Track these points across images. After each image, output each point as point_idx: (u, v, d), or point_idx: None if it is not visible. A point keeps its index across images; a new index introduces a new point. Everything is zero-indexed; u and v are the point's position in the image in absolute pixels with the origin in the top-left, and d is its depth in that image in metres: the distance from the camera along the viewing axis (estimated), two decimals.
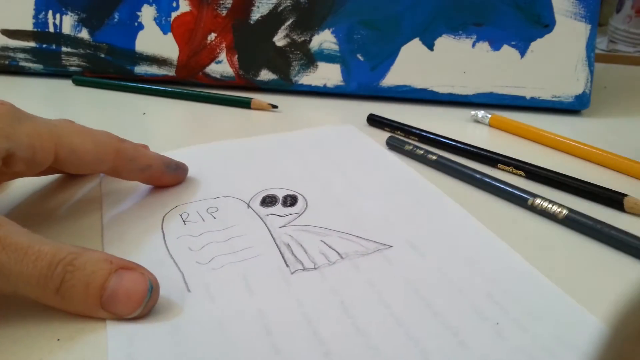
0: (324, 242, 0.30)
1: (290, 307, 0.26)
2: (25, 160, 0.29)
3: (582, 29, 0.49)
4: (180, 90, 0.53)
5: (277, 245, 0.30)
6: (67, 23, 0.54)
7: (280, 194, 0.35)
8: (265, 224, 0.32)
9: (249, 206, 0.34)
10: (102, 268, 0.24)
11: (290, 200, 0.34)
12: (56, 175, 0.37)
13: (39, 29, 0.54)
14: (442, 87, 0.52)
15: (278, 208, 0.34)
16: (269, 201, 0.34)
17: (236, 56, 0.54)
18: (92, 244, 0.30)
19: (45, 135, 0.30)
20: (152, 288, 0.25)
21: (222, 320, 0.25)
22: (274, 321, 0.25)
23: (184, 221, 0.32)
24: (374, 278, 0.28)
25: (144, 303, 0.24)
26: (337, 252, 0.29)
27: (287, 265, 0.28)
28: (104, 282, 0.24)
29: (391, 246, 0.30)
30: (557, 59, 0.50)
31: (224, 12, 0.53)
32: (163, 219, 0.32)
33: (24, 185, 0.36)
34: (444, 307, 0.26)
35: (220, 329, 0.24)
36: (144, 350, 0.23)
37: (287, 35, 0.53)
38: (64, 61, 0.55)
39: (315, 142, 0.43)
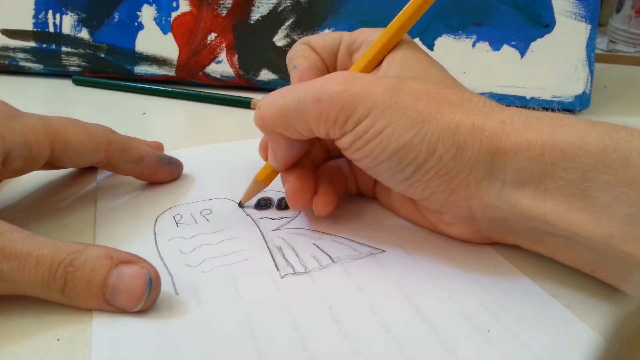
0: (317, 246, 0.30)
1: (277, 312, 0.26)
2: (23, 157, 0.29)
3: (582, 29, 0.49)
4: (180, 90, 0.53)
5: (268, 249, 0.30)
6: (67, 23, 0.54)
7: (275, 197, 0.35)
8: (258, 227, 0.32)
9: (242, 209, 0.34)
10: (102, 265, 0.25)
11: (285, 204, 0.34)
12: (53, 173, 0.37)
13: (39, 29, 0.54)
14: None
15: (272, 211, 0.34)
16: (263, 204, 0.34)
17: (236, 56, 0.53)
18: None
19: (40, 130, 0.30)
20: (152, 282, 0.25)
21: (207, 324, 0.25)
22: (260, 325, 0.25)
23: (176, 223, 0.32)
24: (364, 283, 0.27)
25: (144, 297, 0.25)
26: (329, 255, 0.29)
27: (278, 269, 0.28)
28: (104, 280, 0.25)
29: (384, 250, 0.30)
30: (557, 59, 0.49)
31: (224, 12, 0.53)
32: (156, 221, 0.32)
33: (20, 183, 0.36)
34: (434, 314, 0.25)
35: (205, 332, 0.24)
36: (128, 352, 0.23)
37: (287, 35, 0.52)
38: (64, 61, 0.55)
39: None
